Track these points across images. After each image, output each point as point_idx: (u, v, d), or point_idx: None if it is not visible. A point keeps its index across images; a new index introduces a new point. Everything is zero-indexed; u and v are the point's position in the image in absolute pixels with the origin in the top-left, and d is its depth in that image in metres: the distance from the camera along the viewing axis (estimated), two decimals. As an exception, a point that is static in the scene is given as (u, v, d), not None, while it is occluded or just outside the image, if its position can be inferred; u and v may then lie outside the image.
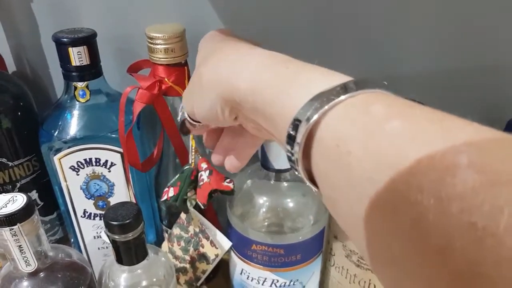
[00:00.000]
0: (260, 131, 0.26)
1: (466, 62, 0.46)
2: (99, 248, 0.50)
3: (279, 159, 0.41)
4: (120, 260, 0.40)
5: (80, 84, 0.41)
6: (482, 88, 0.47)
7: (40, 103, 0.49)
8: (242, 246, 0.45)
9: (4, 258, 0.52)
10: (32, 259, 0.36)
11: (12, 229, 0.34)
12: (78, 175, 0.44)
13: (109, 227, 0.38)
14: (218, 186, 0.42)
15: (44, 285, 0.38)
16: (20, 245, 0.35)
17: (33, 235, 0.36)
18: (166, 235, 0.52)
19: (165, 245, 0.51)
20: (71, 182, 0.44)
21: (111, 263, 0.42)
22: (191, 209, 0.45)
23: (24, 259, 0.36)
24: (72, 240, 0.50)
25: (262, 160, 0.42)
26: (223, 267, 0.56)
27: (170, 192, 0.44)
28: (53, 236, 0.50)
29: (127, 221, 0.37)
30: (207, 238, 0.45)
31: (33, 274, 0.37)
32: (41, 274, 0.38)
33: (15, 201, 0.34)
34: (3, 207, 0.34)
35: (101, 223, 0.48)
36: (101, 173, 0.44)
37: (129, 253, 0.40)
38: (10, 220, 0.34)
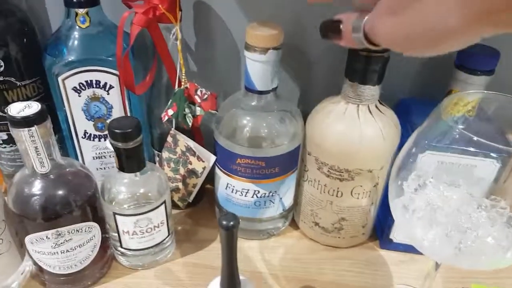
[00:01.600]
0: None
1: None
2: (97, 169, 0.55)
3: (263, 81, 0.47)
4: (122, 168, 0.46)
5: (80, 11, 0.46)
6: None
7: (39, 32, 0.53)
8: (228, 161, 0.51)
9: (10, 177, 0.57)
10: (46, 161, 0.41)
11: (30, 130, 0.39)
12: (80, 96, 0.48)
13: (113, 136, 0.43)
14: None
15: (56, 185, 0.43)
16: (36, 147, 0.40)
17: (47, 140, 0.41)
18: (157, 159, 0.58)
19: (156, 168, 0.57)
20: (73, 103, 0.49)
21: (113, 173, 0.47)
22: (175, 131, 0.51)
23: (39, 159, 0.41)
24: (72, 161, 0.55)
25: (247, 84, 0.48)
26: (207, 195, 0.63)
27: (169, 112, 0.50)
28: (53, 157, 0.55)
29: (129, 130, 0.43)
30: (194, 154, 0.51)
31: (46, 176, 0.42)
32: (52, 177, 0.43)
33: (31, 107, 0.39)
34: (20, 111, 0.39)
35: (100, 144, 0.53)
36: (101, 95, 0.49)
37: (129, 161, 0.45)
38: (28, 122, 0.38)
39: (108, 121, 0.51)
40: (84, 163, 0.54)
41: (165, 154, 0.55)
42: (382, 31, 0.24)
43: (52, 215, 0.42)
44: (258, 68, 0.46)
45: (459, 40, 0.22)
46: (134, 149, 0.44)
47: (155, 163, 0.58)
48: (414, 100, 0.54)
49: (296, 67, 0.56)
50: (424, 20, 0.22)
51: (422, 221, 0.37)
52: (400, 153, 0.41)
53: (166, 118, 0.48)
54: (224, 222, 0.36)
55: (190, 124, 0.49)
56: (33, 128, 0.39)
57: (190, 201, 0.58)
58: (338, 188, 0.50)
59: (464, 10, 0.20)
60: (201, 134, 0.55)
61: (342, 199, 0.51)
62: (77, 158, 0.54)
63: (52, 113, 0.50)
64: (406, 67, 0.53)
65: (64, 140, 0.53)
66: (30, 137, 0.39)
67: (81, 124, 0.51)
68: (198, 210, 0.62)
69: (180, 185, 0.56)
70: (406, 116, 0.52)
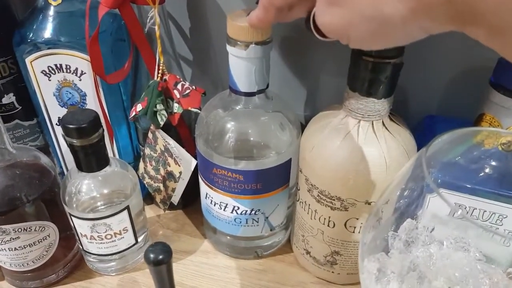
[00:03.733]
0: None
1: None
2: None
3: (246, 81, 0.39)
4: (79, 166, 0.41)
5: (52, -14, 0.40)
6: None
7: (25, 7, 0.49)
8: (205, 169, 0.44)
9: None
10: (-11, 151, 0.37)
11: (-35, 119, 0.35)
12: (50, 80, 0.44)
13: (65, 131, 0.38)
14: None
15: (2, 179, 0.39)
16: (-24, 136, 0.36)
17: (-9, 129, 0.37)
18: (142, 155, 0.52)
19: (141, 166, 0.52)
20: (44, 88, 0.45)
21: (72, 171, 0.42)
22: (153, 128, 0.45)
23: (-19, 150, 0.37)
24: (50, 147, 0.51)
25: (230, 83, 0.40)
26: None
27: (138, 107, 0.44)
28: (33, 142, 0.52)
29: (83, 125, 0.37)
30: (171, 156, 0.45)
31: (-8, 167, 0.39)
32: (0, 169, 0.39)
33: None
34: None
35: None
36: (72, 81, 0.44)
37: (87, 160, 0.40)
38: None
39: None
40: (61, 150, 0.50)
41: (147, 151, 0.49)
42: (325, 21, 0.25)
43: (-7, 211, 0.39)
44: (239, 65, 0.38)
45: (399, 31, 0.22)
46: (92, 146, 0.39)
47: (139, 158, 0.53)
48: (441, 119, 0.43)
49: (301, 64, 0.47)
50: (362, 9, 0.22)
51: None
52: (394, 186, 0.31)
53: (133, 114, 0.42)
54: (151, 256, 0.29)
55: (161, 123, 0.43)
56: (-32, 117, 0.35)
57: (175, 204, 0.52)
58: (329, 217, 0.41)
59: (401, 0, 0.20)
60: (188, 131, 0.49)
61: (334, 230, 0.42)
62: (53, 144, 0.50)
63: (29, 95, 0.47)
64: (435, 81, 0.42)
65: (42, 125, 0.49)
66: (-33, 126, 0.35)
67: (54, 110, 0.46)
68: (188, 212, 0.57)
69: (161, 186, 0.50)
70: (426, 139, 0.41)
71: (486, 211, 0.37)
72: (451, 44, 0.40)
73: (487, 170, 0.36)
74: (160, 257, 0.30)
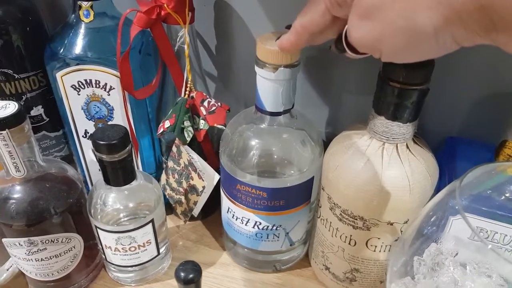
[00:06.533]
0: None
1: None
2: (99, 169, 0.52)
3: (273, 102, 0.40)
4: (107, 180, 0.42)
5: (84, 4, 0.42)
6: None
7: (56, 22, 0.50)
8: (229, 184, 0.45)
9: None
10: (22, 165, 0.38)
11: (1, 134, 0.35)
12: (79, 94, 0.45)
13: (96, 146, 0.39)
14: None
15: (32, 191, 0.40)
16: (10, 151, 0.37)
17: (24, 143, 0.38)
18: (165, 167, 0.53)
19: (163, 177, 0.53)
20: (73, 102, 0.46)
21: (99, 184, 0.43)
22: (180, 142, 0.45)
23: (14, 164, 0.38)
24: (75, 158, 0.52)
25: (256, 102, 0.41)
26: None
27: (166, 124, 0.45)
28: (58, 152, 0.53)
29: (113, 142, 0.38)
30: (195, 171, 0.46)
31: (22, 181, 0.40)
32: (30, 182, 0.40)
33: (7, 108, 0.36)
34: (-6, 112, 0.36)
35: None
36: (101, 95, 0.45)
37: (115, 174, 0.41)
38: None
39: (109, 123, 0.47)
40: (86, 161, 0.51)
41: (170, 164, 0.50)
42: (357, 35, 0.25)
43: (23, 223, 0.40)
44: (267, 86, 0.39)
45: (431, 42, 0.22)
46: (121, 162, 0.40)
47: (162, 170, 0.53)
48: (462, 141, 0.43)
49: (323, 83, 0.48)
50: (394, 21, 0.22)
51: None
52: (421, 212, 0.32)
53: (161, 130, 0.43)
54: (182, 274, 0.30)
55: (188, 140, 0.44)
56: (4, 132, 0.36)
57: (196, 215, 0.53)
58: (351, 235, 0.42)
59: (433, 9, 0.20)
60: (211, 146, 0.50)
61: (355, 248, 0.43)
62: (79, 156, 0.51)
63: (56, 107, 0.48)
64: (458, 103, 0.43)
65: (67, 136, 0.50)
66: (1, 141, 0.36)
67: (81, 123, 0.47)
68: (207, 223, 0.58)
69: (183, 198, 0.51)
70: (448, 161, 0.42)
71: (507, 236, 0.37)
72: (477, 66, 0.40)
73: (508, 195, 0.37)
74: (191, 276, 0.31)
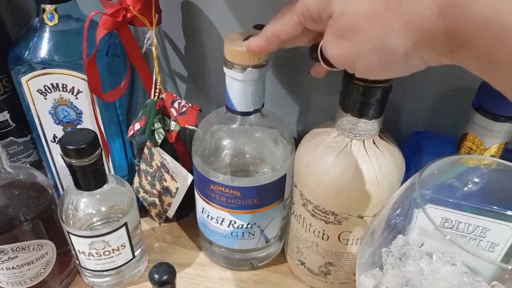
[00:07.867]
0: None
1: None
2: (70, 174, 0.52)
3: (243, 102, 0.40)
4: (78, 185, 0.41)
5: (48, 7, 0.41)
6: None
7: (19, 26, 0.49)
8: (202, 185, 0.45)
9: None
10: (-13, 173, 0.38)
11: (-35, 141, 0.35)
12: (45, 99, 0.44)
13: (64, 151, 0.38)
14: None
15: (0, 199, 0.39)
16: (-25, 159, 0.36)
17: (-12, 150, 0.37)
18: (137, 169, 0.53)
19: (136, 180, 0.52)
20: (40, 106, 0.45)
21: (70, 189, 0.43)
22: (151, 144, 0.45)
23: (-21, 172, 0.37)
24: (45, 163, 0.51)
25: (227, 102, 0.41)
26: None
27: (136, 126, 0.44)
28: (27, 158, 0.52)
29: (82, 146, 0.38)
30: (168, 172, 0.46)
31: (-10, 188, 0.39)
32: (-3, 189, 0.39)
33: (-30, 115, 0.35)
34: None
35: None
36: (69, 99, 0.44)
37: (86, 179, 0.41)
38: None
39: (78, 127, 0.47)
40: (55, 166, 0.51)
41: (142, 166, 0.50)
42: (333, 53, 0.27)
43: (-10, 232, 0.39)
44: (236, 87, 0.39)
45: (401, 62, 0.23)
46: (91, 166, 0.40)
47: (135, 173, 0.53)
48: (427, 135, 0.45)
49: (293, 82, 0.49)
50: (368, 42, 0.24)
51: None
52: (386, 204, 0.33)
53: (132, 133, 0.43)
54: (156, 276, 0.30)
55: (158, 142, 0.43)
56: (-33, 140, 0.35)
57: (170, 217, 0.53)
58: (323, 230, 0.43)
59: (404, 33, 0.22)
60: (183, 146, 0.50)
61: (328, 242, 0.43)
62: (48, 161, 0.50)
63: (23, 112, 0.47)
64: (422, 99, 0.44)
65: (36, 141, 0.49)
66: (-35, 148, 0.35)
67: (50, 127, 0.47)
68: (182, 224, 0.57)
69: (157, 200, 0.51)
70: (414, 154, 0.43)
71: (470, 225, 0.39)
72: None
73: (470, 186, 0.38)
74: (165, 277, 0.31)
